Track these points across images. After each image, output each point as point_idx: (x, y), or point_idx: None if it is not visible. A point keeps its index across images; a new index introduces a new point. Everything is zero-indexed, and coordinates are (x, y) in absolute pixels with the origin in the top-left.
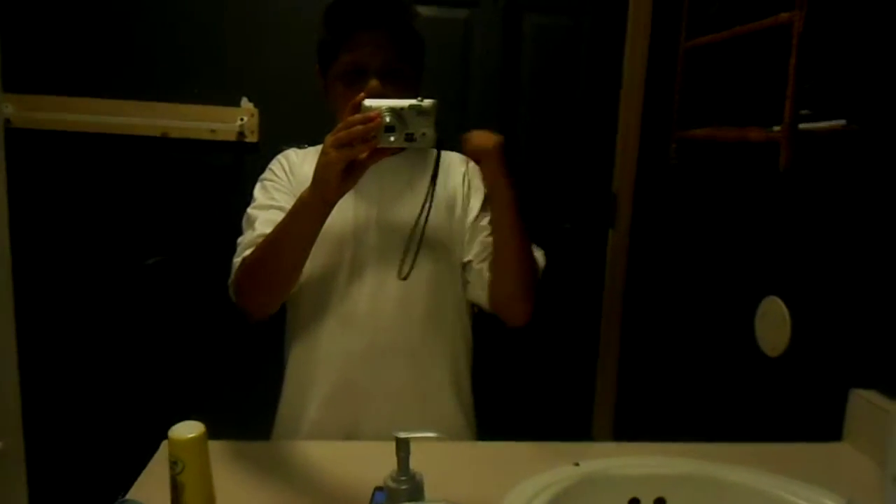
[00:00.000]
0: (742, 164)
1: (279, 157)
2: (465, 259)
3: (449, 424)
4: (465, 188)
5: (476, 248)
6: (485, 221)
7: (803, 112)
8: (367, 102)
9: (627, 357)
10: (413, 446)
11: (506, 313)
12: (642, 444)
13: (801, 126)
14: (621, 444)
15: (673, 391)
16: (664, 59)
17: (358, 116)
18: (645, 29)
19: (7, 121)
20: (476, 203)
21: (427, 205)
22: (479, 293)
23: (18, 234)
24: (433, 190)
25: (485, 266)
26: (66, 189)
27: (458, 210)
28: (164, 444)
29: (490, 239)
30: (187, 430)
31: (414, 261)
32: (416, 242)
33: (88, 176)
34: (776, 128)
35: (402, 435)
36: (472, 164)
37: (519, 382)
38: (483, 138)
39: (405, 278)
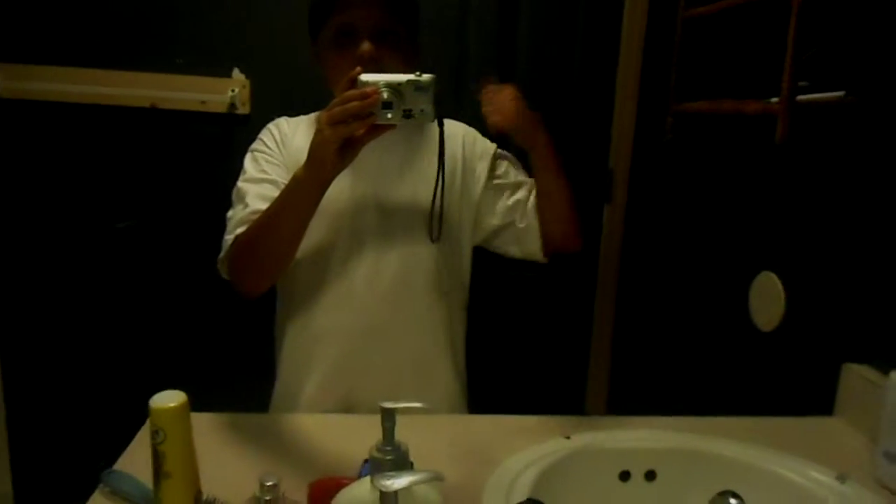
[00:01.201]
0: (739, 138)
1: (269, 126)
2: (495, 224)
3: (445, 391)
4: (462, 161)
5: (502, 211)
6: (500, 181)
7: (801, 83)
8: (364, 77)
9: (622, 331)
10: (402, 419)
11: (565, 248)
12: (633, 418)
13: (799, 98)
14: (613, 418)
15: (667, 366)
16: (662, 30)
17: (354, 92)
18: (643, 1)
19: None
20: (482, 167)
21: (440, 176)
22: (532, 248)
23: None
24: (443, 162)
25: (531, 222)
26: (52, 161)
27: (458, 183)
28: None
29: (516, 198)
30: (169, 398)
31: (440, 225)
32: (439, 210)
33: (76, 148)
34: (774, 100)
35: (388, 405)
36: (468, 132)
37: (511, 356)
38: (502, 115)
39: (436, 240)
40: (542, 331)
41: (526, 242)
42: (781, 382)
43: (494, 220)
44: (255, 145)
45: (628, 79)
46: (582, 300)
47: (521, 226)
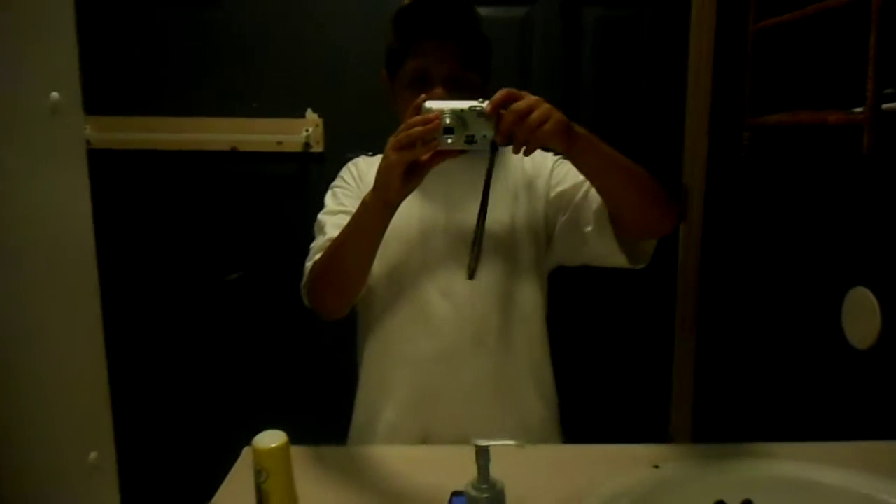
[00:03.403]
0: (821, 149)
1: (349, 164)
2: (563, 234)
3: (531, 418)
4: (525, 180)
5: (566, 219)
6: (561, 188)
7: (886, 91)
8: (428, 104)
9: (704, 354)
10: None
11: (662, 229)
12: (724, 446)
13: (885, 106)
14: (702, 446)
15: (754, 389)
16: (732, 43)
17: (418, 118)
18: (711, 12)
19: (87, 142)
20: (542, 182)
21: (483, 205)
22: (608, 251)
23: (102, 253)
24: (487, 190)
25: (601, 222)
26: (142, 206)
27: (523, 202)
28: (246, 451)
29: (576, 202)
30: (271, 439)
31: (477, 260)
32: (478, 242)
33: (164, 192)
34: (857, 109)
35: (482, 443)
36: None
37: (593, 383)
38: (543, 136)
39: (471, 277)
40: (622, 356)
41: (600, 246)
42: (880, 403)
43: (563, 230)
44: (335, 182)
45: (699, 93)
46: (661, 322)
47: (588, 229)
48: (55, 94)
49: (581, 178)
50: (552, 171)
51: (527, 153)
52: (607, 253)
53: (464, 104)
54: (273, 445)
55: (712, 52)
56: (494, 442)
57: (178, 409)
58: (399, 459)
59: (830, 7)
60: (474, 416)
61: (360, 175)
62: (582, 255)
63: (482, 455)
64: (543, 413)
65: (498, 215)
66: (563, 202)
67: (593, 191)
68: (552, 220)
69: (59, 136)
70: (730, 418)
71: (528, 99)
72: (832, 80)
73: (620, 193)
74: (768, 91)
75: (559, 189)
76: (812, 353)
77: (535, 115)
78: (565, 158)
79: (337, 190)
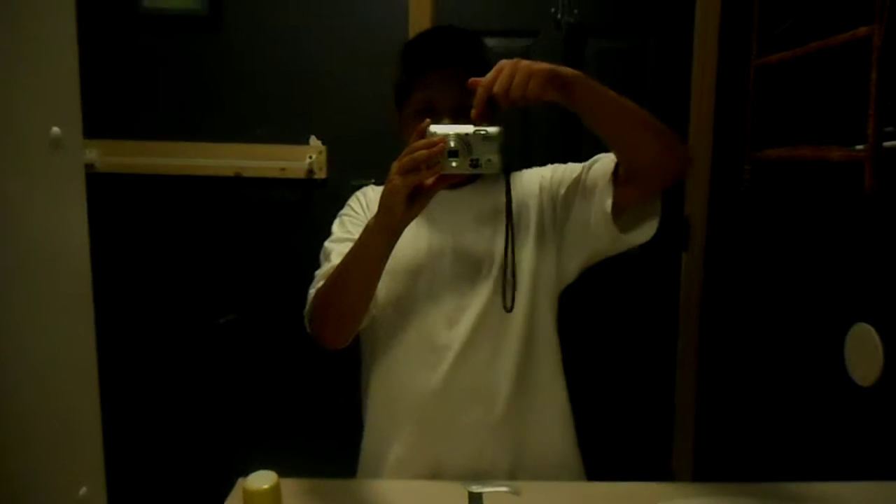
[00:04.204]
0: (823, 185)
1: (357, 192)
2: (577, 227)
3: (547, 448)
4: (539, 199)
5: (580, 197)
6: (567, 178)
7: (887, 129)
8: (433, 128)
9: (706, 389)
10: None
11: (671, 174)
12: (727, 485)
13: (886, 144)
14: (705, 485)
15: (755, 423)
16: (734, 78)
17: (422, 142)
18: (713, 47)
19: (91, 165)
20: (546, 199)
21: (510, 235)
22: (603, 230)
23: (101, 280)
24: (510, 220)
25: (604, 187)
26: (147, 230)
27: (533, 227)
28: (238, 485)
29: (575, 175)
30: (262, 480)
31: (514, 291)
32: (511, 273)
33: (168, 216)
34: (859, 147)
35: (475, 489)
36: (537, 173)
37: (595, 416)
38: (519, 89)
39: (510, 310)
40: (622, 389)
41: (600, 220)
42: (884, 442)
43: (574, 211)
44: (343, 210)
45: (701, 126)
46: (662, 355)
47: (596, 190)
48: (56, 129)
49: (579, 166)
50: (551, 177)
51: (529, 103)
52: (606, 229)
53: (468, 128)
54: (264, 487)
55: (714, 85)
56: (488, 488)
57: (170, 442)
58: (402, 494)
59: (832, 45)
60: (487, 450)
61: (367, 204)
62: (588, 237)
63: (475, 502)
64: (560, 443)
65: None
66: (570, 189)
67: (596, 165)
68: (562, 220)
69: (60, 168)
70: (732, 454)
71: (498, 67)
72: (833, 116)
73: (627, 132)
74: (769, 125)
75: (565, 181)
76: (814, 390)
77: (517, 78)
78: (567, 107)
79: (345, 218)
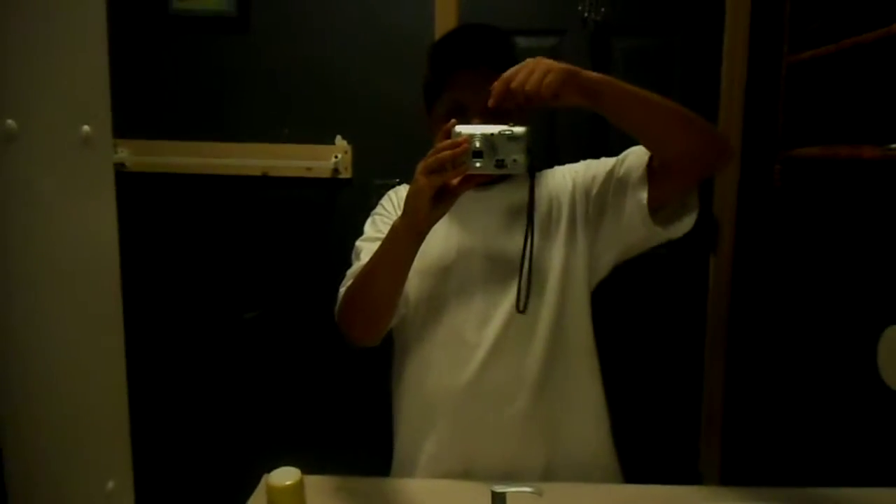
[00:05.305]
0: (855, 185)
1: (390, 192)
2: (608, 223)
3: (580, 449)
4: (571, 194)
5: (614, 191)
6: (599, 175)
7: None
8: (458, 128)
9: (734, 393)
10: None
11: (712, 163)
12: (757, 489)
13: None
14: (733, 489)
15: (785, 429)
16: (765, 75)
17: (447, 142)
18: (743, 45)
19: (122, 165)
20: (580, 197)
21: (529, 236)
22: (639, 220)
23: (129, 277)
24: (531, 222)
25: (637, 181)
26: (176, 228)
27: (564, 223)
28: (262, 481)
29: (609, 168)
30: (285, 476)
31: (528, 293)
32: (527, 274)
33: (196, 214)
34: (893, 145)
35: (499, 489)
36: (570, 170)
37: (622, 416)
38: (535, 84)
39: (523, 311)
40: (649, 392)
41: (635, 214)
42: None
43: (609, 206)
44: (375, 209)
45: (731, 124)
46: (689, 358)
47: (631, 182)
48: (86, 127)
49: (612, 160)
50: (584, 171)
51: (550, 102)
52: (641, 220)
53: (494, 128)
54: (287, 483)
55: (744, 83)
56: (511, 488)
57: (196, 437)
58: (431, 493)
59: (866, 41)
60: (519, 448)
61: (398, 203)
62: (622, 230)
63: (498, 501)
64: (595, 442)
65: (541, 244)
66: (604, 183)
67: (630, 158)
68: (595, 214)
69: (90, 165)
70: (760, 455)
71: (521, 64)
72: (868, 114)
73: (657, 129)
74: (801, 123)
75: (599, 175)
76: (844, 393)
77: (535, 75)
78: (592, 109)
79: (377, 217)
